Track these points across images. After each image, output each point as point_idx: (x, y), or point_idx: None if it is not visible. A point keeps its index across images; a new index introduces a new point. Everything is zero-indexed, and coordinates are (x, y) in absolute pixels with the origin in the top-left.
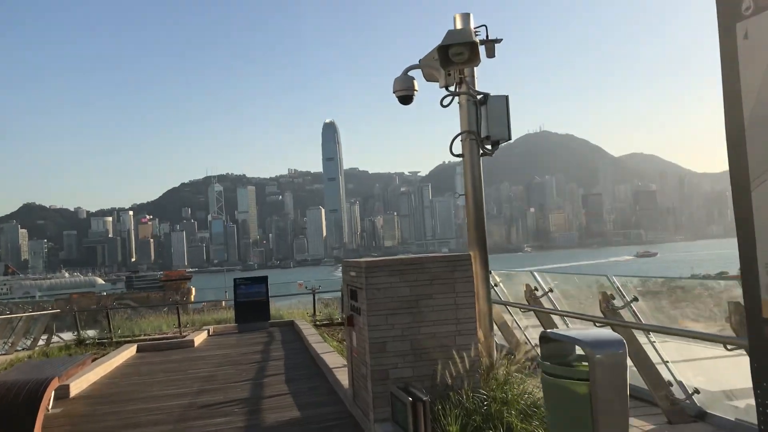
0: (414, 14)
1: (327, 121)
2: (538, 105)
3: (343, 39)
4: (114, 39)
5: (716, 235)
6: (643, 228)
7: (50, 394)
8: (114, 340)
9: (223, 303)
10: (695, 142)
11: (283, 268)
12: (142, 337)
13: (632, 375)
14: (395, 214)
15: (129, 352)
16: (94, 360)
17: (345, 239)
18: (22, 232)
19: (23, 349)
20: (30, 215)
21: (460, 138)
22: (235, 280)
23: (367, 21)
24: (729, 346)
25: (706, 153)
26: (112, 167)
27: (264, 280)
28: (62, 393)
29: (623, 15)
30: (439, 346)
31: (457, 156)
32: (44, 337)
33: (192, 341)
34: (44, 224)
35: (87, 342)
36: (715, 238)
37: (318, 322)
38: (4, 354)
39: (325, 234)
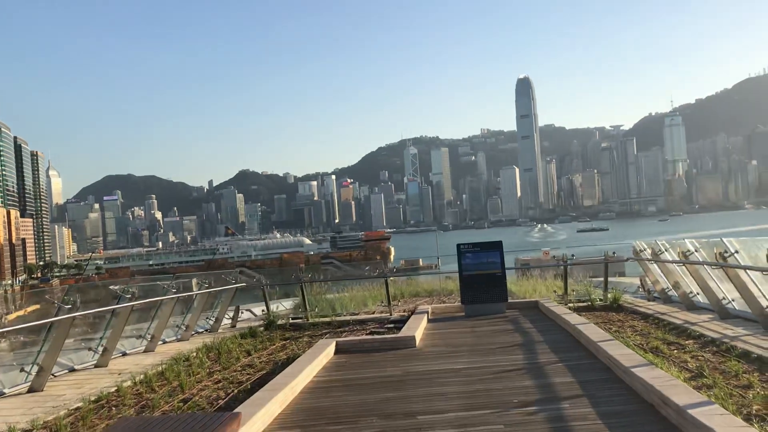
0: None
1: (521, 76)
2: (761, 45)
3: None
4: (312, 15)
5: None
6: None
7: None
8: (310, 321)
9: (421, 262)
10: None
11: (478, 229)
12: (343, 318)
13: None
14: (595, 171)
15: (324, 356)
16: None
17: (540, 199)
18: (239, 197)
19: (205, 331)
20: (245, 181)
21: None
22: (458, 246)
23: None
24: None
25: None
26: (315, 134)
27: (498, 246)
28: None
29: None
30: None
31: None
32: (231, 312)
33: (412, 339)
34: (258, 189)
35: (278, 323)
36: None
37: (570, 304)
38: (176, 340)
39: (519, 194)
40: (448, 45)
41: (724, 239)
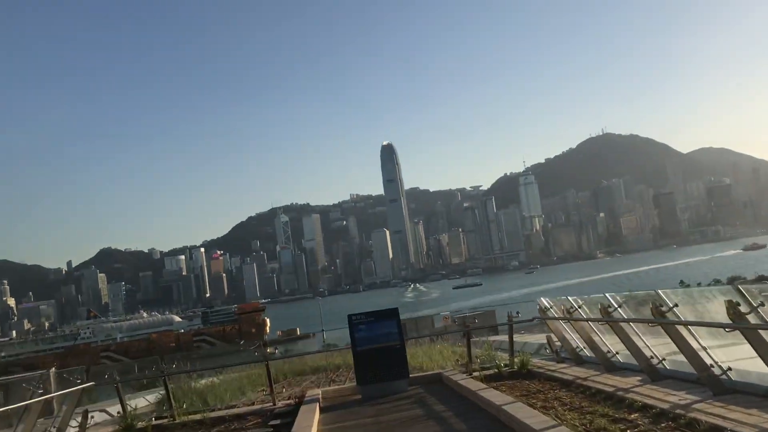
0: (466, 29)
1: (385, 143)
2: (599, 107)
3: (394, 61)
4: (173, 75)
5: None
6: (721, 224)
7: None
8: (178, 420)
9: (299, 332)
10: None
11: (353, 293)
12: (218, 413)
13: None
14: (460, 230)
15: None
16: None
17: (411, 259)
18: (101, 277)
19: None
20: (107, 260)
21: None
22: (350, 318)
23: (417, 43)
24: None
25: None
26: (181, 207)
27: (394, 314)
28: None
29: (680, 6)
30: None
31: None
32: (79, 416)
33: None
34: (121, 267)
35: (138, 426)
36: None
37: (476, 373)
38: None
39: (391, 255)
40: (313, 113)
41: (660, 291)
